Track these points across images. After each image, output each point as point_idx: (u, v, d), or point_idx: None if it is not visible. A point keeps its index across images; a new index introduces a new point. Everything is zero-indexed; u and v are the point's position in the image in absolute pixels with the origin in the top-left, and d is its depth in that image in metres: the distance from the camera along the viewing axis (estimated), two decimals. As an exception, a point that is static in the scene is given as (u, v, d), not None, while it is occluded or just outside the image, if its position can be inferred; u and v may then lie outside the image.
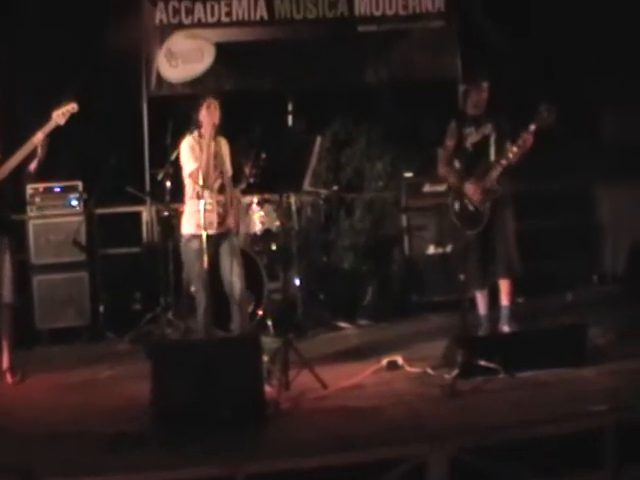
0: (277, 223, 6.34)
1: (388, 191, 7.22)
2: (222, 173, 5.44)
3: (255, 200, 6.44)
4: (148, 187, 6.95)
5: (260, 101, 7.06)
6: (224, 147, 5.49)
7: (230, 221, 5.46)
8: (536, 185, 7.07)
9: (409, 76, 7.50)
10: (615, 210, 7.59)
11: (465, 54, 7.53)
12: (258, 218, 6.41)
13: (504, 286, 5.70)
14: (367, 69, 7.47)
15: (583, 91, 7.43)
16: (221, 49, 7.34)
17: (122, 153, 6.65)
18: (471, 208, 5.63)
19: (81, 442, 4.11)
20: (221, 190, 5.43)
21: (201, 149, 5.32)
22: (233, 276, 5.37)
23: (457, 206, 5.69)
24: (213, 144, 5.34)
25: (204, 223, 5.12)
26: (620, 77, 7.43)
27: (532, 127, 5.41)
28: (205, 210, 5.14)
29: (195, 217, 5.30)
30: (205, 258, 5.14)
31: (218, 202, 5.39)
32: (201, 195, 5.16)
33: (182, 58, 7.36)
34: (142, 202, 6.98)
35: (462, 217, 5.67)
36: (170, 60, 7.37)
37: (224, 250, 5.41)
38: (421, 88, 7.33)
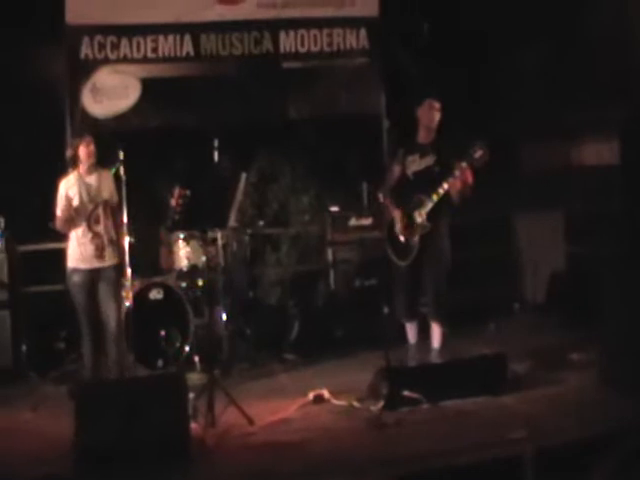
0: (203, 259, 6.35)
1: (314, 225, 7.29)
2: (102, 205, 5.54)
3: (181, 236, 6.43)
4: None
5: (186, 138, 7.08)
6: (105, 179, 5.63)
7: (111, 254, 5.55)
8: (456, 216, 7.24)
9: (332, 112, 7.60)
10: (534, 239, 7.84)
11: (388, 90, 7.70)
12: (184, 254, 6.40)
13: (434, 327, 5.70)
14: (290, 105, 7.56)
15: (501, 123, 7.68)
16: (147, 85, 7.35)
17: (46, 189, 6.54)
18: (402, 239, 5.63)
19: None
20: (99, 221, 5.55)
21: (76, 185, 5.54)
22: (108, 311, 5.50)
23: (390, 235, 5.68)
24: (92, 177, 5.58)
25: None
26: (538, 109, 7.72)
27: (463, 164, 5.37)
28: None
29: (75, 251, 5.54)
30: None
31: (95, 234, 5.48)
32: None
33: (107, 94, 7.32)
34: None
35: (394, 247, 5.68)
36: (95, 96, 7.33)
37: (102, 285, 5.51)
38: (345, 123, 7.45)
